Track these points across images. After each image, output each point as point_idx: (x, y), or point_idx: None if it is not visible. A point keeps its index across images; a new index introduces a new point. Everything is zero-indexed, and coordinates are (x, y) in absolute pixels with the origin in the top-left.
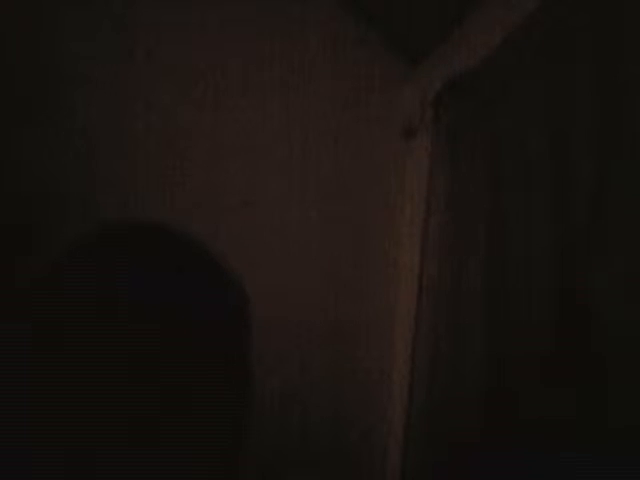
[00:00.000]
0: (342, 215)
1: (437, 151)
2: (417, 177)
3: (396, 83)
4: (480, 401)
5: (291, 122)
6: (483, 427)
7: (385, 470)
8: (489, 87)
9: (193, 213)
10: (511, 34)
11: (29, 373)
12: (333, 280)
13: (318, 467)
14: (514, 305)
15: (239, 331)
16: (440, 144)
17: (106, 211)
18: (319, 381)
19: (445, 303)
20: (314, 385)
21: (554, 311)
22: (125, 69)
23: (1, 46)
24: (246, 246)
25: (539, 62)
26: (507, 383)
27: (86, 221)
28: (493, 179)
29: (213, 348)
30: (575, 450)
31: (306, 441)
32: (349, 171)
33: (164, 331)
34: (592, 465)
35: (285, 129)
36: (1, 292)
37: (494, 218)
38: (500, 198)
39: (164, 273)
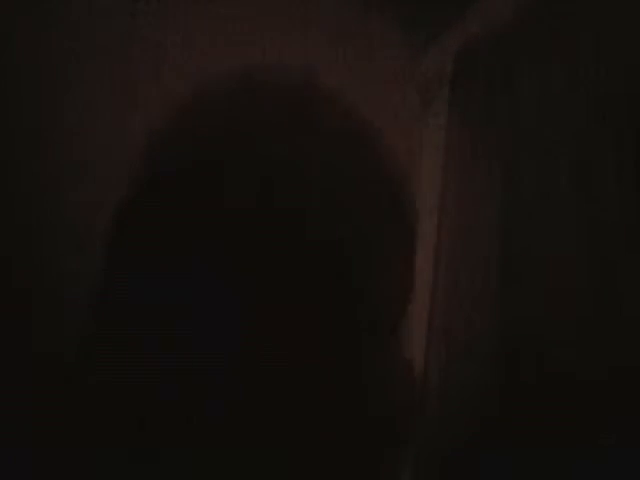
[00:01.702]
0: None
1: (453, 128)
2: (432, 156)
3: (412, 58)
4: (494, 394)
5: None
6: (497, 421)
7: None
8: (504, 64)
9: None
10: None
11: None
12: None
13: None
14: (529, 296)
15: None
16: (455, 120)
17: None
18: None
19: (458, 295)
20: None
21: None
22: (125, 68)
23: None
24: None
25: (551, 43)
26: (522, 376)
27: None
28: (508, 158)
29: None
30: (587, 446)
31: None
32: None
33: None
34: (602, 461)
35: None
36: None
37: (509, 199)
38: (516, 178)
39: None
